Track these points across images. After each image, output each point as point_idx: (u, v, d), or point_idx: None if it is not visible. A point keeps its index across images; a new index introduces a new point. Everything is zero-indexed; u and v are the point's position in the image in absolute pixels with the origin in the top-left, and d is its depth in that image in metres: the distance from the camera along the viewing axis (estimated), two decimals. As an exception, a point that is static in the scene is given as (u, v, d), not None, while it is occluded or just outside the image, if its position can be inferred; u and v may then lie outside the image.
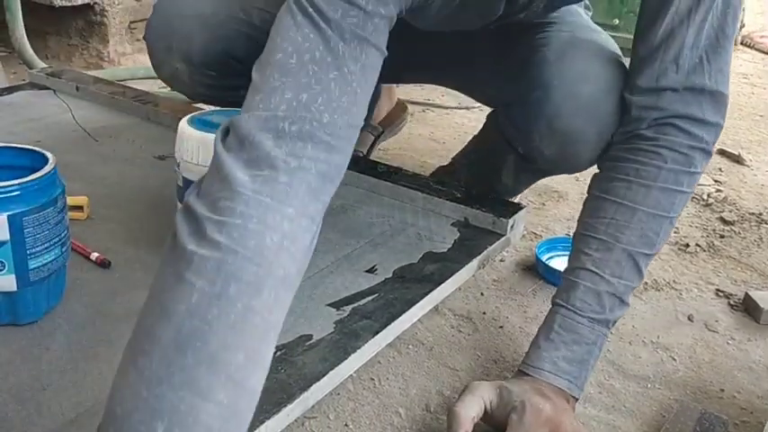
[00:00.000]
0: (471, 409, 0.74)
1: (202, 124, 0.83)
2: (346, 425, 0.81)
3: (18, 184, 0.67)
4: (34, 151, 0.74)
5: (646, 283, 1.17)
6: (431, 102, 1.95)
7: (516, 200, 1.35)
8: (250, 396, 0.54)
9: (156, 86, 1.90)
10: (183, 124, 0.82)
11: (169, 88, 1.13)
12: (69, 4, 1.85)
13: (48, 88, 1.39)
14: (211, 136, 0.79)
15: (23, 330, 0.71)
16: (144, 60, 2.08)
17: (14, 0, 1.63)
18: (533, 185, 1.32)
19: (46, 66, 1.49)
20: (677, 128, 0.82)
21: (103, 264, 0.83)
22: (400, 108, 1.60)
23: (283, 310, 0.58)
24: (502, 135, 1.10)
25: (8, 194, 0.66)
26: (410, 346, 0.96)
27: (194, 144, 0.80)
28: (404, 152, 1.63)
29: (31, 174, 0.70)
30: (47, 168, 0.70)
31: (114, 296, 0.78)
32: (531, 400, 0.74)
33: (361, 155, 1.40)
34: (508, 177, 1.16)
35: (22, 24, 1.66)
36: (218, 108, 0.89)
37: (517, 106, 1.01)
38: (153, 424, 0.49)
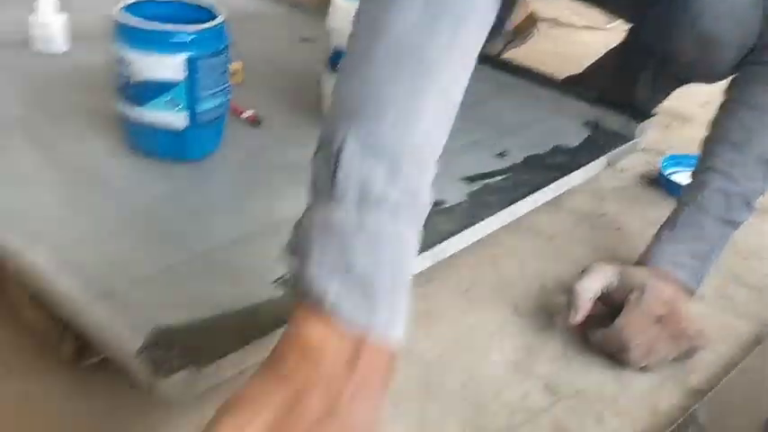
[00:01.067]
0: (591, 288, 0.77)
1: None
2: (467, 290, 0.86)
3: (195, 30, 0.73)
4: (203, 7, 0.80)
5: (770, 207, 1.15)
6: (558, 19, 1.93)
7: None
8: (453, 111, 0.56)
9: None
10: (339, -5, 0.86)
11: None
12: None
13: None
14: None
15: (188, 166, 0.79)
16: None
17: None
18: (661, 106, 1.31)
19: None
20: None
21: (254, 122, 0.90)
22: (531, 20, 1.60)
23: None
24: (641, 43, 1.10)
25: (186, 39, 0.73)
26: (529, 234, 1.00)
27: (347, 13, 0.84)
28: (530, 64, 1.63)
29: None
30: (219, 19, 0.76)
31: (265, 150, 0.85)
32: (652, 283, 0.76)
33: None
34: (645, 87, 1.15)
35: None
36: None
37: (661, 5, 1.00)
38: (382, 111, 0.50)
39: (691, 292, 0.81)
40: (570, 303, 0.76)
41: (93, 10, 1.12)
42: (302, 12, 1.32)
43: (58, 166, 0.76)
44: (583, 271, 0.79)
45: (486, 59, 1.16)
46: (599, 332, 0.76)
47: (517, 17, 1.53)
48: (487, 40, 0.64)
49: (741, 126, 0.83)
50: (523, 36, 1.58)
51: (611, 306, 0.79)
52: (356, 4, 0.82)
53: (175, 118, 0.75)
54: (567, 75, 1.42)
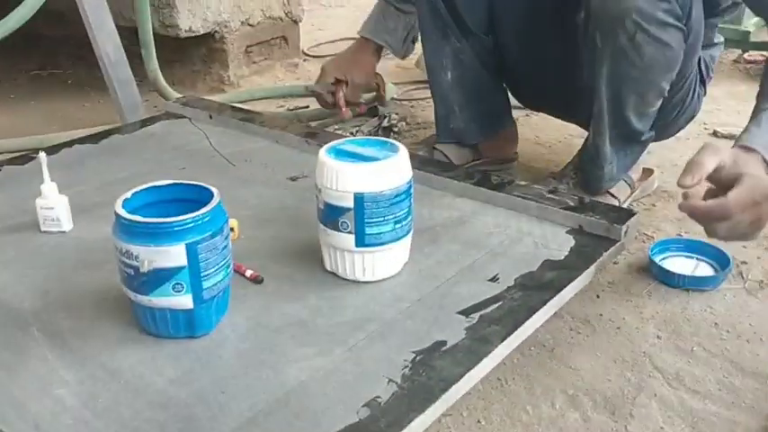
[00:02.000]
0: (709, 163, 0.87)
1: (337, 153, 0.92)
2: (478, 421, 0.89)
3: (193, 217, 0.78)
4: (199, 186, 0.85)
5: (761, 281, 1.19)
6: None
7: (626, 203, 1.39)
8: None
9: (275, 106, 2.03)
10: (322, 154, 0.91)
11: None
12: (193, 35, 2.01)
13: (183, 117, 1.53)
14: (346, 164, 0.89)
15: (199, 342, 0.83)
16: (261, 81, 2.23)
17: (149, 36, 1.79)
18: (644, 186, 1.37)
19: (180, 96, 1.64)
20: None
21: (257, 280, 0.94)
22: (515, 155, 1.67)
23: None
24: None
25: (185, 226, 0.78)
26: (532, 348, 1.03)
27: (333, 172, 0.89)
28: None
29: (198, 205, 0.81)
30: (214, 201, 0.81)
31: (270, 309, 0.89)
32: (762, 172, 0.90)
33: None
34: (591, 131, 1.31)
35: (156, 59, 1.82)
36: (350, 137, 0.98)
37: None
38: None
39: None
40: (687, 171, 0.87)
41: (82, 184, 1.20)
42: (286, 146, 1.38)
43: (74, 362, 0.79)
44: (702, 147, 0.89)
45: (470, 175, 1.21)
46: (710, 201, 0.89)
47: (504, 152, 1.61)
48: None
49: None
50: (502, 164, 1.64)
51: (716, 184, 0.91)
52: (344, 164, 0.88)
53: (182, 300, 0.80)
54: (550, 173, 1.48)
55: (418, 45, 1.61)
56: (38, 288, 0.93)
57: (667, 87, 1.25)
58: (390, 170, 0.90)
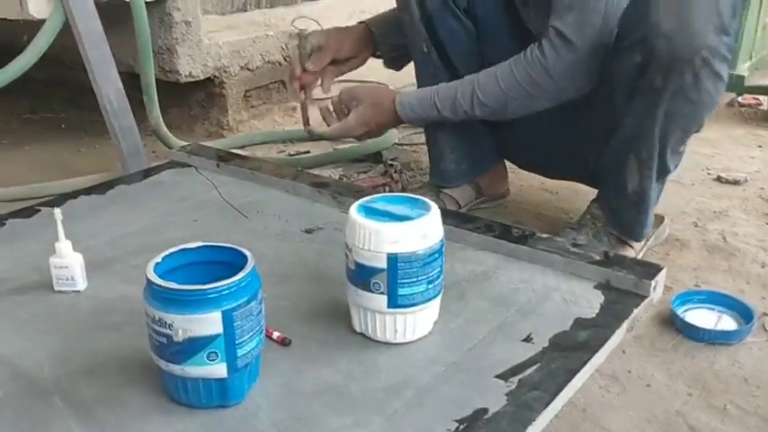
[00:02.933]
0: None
1: (368, 211, 0.90)
2: (522, 490, 0.86)
3: (229, 283, 0.75)
4: (231, 248, 0.82)
5: (785, 334, 1.18)
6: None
7: (641, 255, 1.38)
8: None
9: (275, 150, 2.01)
10: (354, 213, 0.89)
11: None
12: (193, 80, 1.99)
13: (189, 165, 1.50)
14: (378, 224, 0.87)
15: (231, 412, 0.79)
16: (260, 126, 2.21)
17: (151, 82, 1.77)
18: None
19: (186, 144, 1.61)
20: None
21: (284, 342, 0.91)
22: (506, 191, 1.73)
23: None
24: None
25: (222, 293, 0.75)
26: (564, 408, 1.00)
27: (365, 232, 0.87)
28: (519, 205, 1.68)
29: (228, 267, 0.78)
30: (249, 266, 0.78)
31: (300, 374, 0.86)
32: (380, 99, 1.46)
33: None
34: (633, 176, 1.29)
35: (158, 105, 1.80)
36: (380, 194, 0.96)
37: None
38: None
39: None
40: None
41: (93, 238, 1.16)
42: (297, 196, 1.35)
43: (102, 432, 0.76)
44: None
45: (490, 227, 1.19)
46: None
47: (494, 187, 1.62)
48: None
49: None
50: (496, 201, 1.66)
51: None
52: (377, 224, 0.86)
53: (216, 369, 0.76)
54: (567, 224, 1.47)
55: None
56: (57, 354, 0.89)
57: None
58: (424, 229, 0.88)
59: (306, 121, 1.59)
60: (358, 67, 1.62)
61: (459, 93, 1.38)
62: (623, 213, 1.36)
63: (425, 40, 1.45)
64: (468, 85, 1.37)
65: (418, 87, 1.52)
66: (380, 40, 1.59)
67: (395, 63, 1.64)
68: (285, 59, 2.21)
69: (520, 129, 1.45)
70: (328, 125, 1.52)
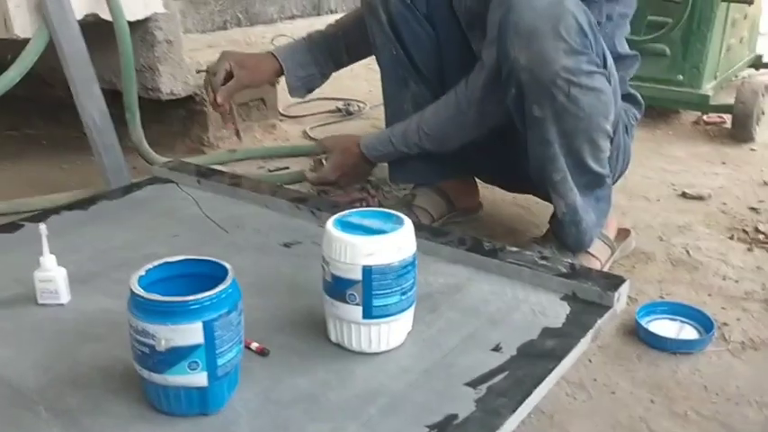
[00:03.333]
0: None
1: (344, 225, 0.94)
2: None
3: (210, 295, 0.79)
4: (212, 261, 0.86)
5: (742, 343, 1.23)
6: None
7: (607, 267, 1.44)
8: None
9: (255, 167, 2.05)
10: (330, 227, 0.93)
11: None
12: (174, 97, 2.03)
13: (171, 181, 1.53)
14: (354, 237, 0.91)
15: (212, 420, 0.82)
16: (239, 144, 2.25)
17: (134, 100, 1.80)
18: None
19: (168, 160, 1.64)
20: None
21: (263, 352, 0.95)
22: (479, 205, 1.78)
23: None
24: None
25: (203, 304, 0.78)
26: (532, 416, 1.04)
27: (341, 245, 0.91)
28: (492, 220, 1.73)
29: (207, 280, 0.82)
30: (229, 278, 0.82)
31: (279, 383, 0.89)
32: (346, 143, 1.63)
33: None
34: (557, 198, 1.38)
35: (140, 122, 1.83)
36: (355, 209, 1.00)
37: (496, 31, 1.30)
38: None
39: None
40: None
41: (75, 252, 1.19)
42: (276, 211, 1.39)
43: (87, 442, 0.78)
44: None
45: (462, 241, 1.24)
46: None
47: (465, 200, 1.68)
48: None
49: None
50: (468, 215, 1.72)
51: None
52: (352, 237, 0.90)
53: (197, 378, 0.80)
54: (532, 238, 1.52)
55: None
56: (40, 364, 0.91)
57: (611, 128, 1.34)
58: (398, 243, 0.92)
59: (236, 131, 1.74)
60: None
61: (410, 127, 1.51)
62: (562, 230, 1.41)
63: (393, 42, 1.53)
64: (415, 120, 1.50)
65: (385, 93, 1.64)
66: (290, 72, 1.67)
67: (298, 92, 1.72)
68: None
69: (477, 144, 1.51)
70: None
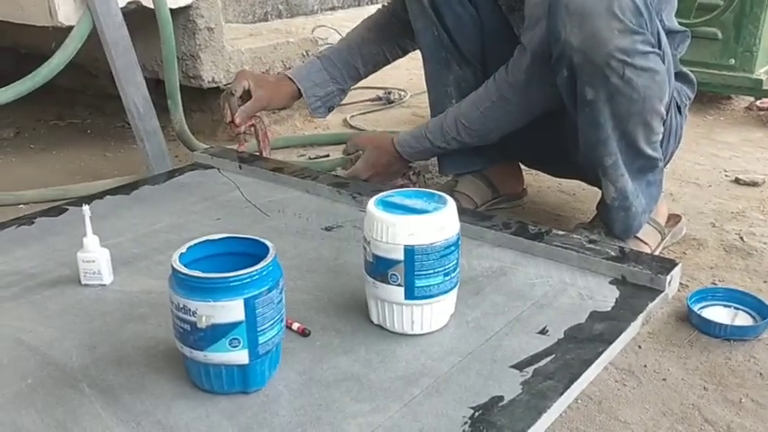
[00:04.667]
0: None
1: (386, 205, 0.92)
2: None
3: (251, 272, 0.78)
4: (254, 240, 0.85)
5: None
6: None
7: (657, 252, 1.39)
8: None
9: (295, 155, 2.05)
10: (371, 206, 0.91)
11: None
12: (215, 85, 2.03)
13: (212, 167, 1.53)
14: (395, 216, 0.89)
15: (253, 398, 0.81)
16: (280, 131, 2.25)
17: (175, 87, 1.80)
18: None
19: (208, 146, 1.65)
20: None
21: (304, 333, 0.93)
22: (524, 191, 1.75)
23: None
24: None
25: (244, 281, 0.77)
26: (579, 401, 1.01)
27: (382, 224, 0.89)
28: (537, 206, 1.70)
29: (250, 258, 0.81)
30: (270, 256, 0.81)
31: (320, 363, 0.88)
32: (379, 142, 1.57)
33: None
34: (607, 184, 1.33)
35: (182, 109, 1.83)
36: (398, 189, 0.98)
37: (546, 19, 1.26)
38: None
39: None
40: None
41: (119, 235, 1.19)
42: (317, 196, 1.38)
43: (129, 419, 0.78)
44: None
45: (507, 225, 1.21)
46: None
47: (509, 186, 1.64)
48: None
49: None
50: (512, 201, 1.68)
51: None
52: (393, 217, 0.88)
53: (238, 356, 0.79)
54: (579, 223, 1.48)
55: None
56: (84, 343, 0.92)
57: (664, 110, 1.29)
58: (441, 222, 0.90)
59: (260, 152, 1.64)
60: None
61: (446, 121, 1.46)
62: (611, 215, 1.37)
63: (435, 24, 1.50)
64: (452, 113, 1.46)
65: (427, 77, 1.60)
66: (308, 93, 1.64)
67: (319, 112, 1.68)
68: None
69: (522, 128, 1.46)
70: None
